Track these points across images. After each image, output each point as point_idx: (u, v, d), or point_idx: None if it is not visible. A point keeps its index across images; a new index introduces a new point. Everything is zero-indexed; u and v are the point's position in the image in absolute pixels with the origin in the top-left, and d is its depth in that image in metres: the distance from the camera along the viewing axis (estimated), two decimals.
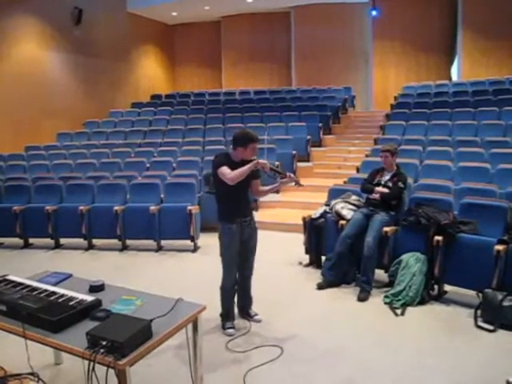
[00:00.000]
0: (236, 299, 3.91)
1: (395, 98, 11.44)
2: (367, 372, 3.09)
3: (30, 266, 5.17)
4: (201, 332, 2.57)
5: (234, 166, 3.46)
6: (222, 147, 8.49)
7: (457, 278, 4.14)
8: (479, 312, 3.77)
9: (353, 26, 14.29)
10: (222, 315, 3.77)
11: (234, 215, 3.60)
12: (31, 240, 6.78)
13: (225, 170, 3.42)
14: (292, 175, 3.66)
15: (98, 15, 12.96)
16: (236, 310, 3.94)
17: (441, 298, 4.26)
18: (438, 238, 4.15)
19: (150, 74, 15.96)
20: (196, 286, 4.46)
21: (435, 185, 5.38)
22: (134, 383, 2.06)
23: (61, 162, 8.82)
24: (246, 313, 3.93)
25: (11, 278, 2.81)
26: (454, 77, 13.55)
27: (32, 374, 2.02)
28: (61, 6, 11.69)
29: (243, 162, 3.49)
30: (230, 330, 3.69)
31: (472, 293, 4.03)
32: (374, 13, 13.79)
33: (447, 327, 3.72)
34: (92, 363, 1.98)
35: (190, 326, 2.50)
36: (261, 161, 3.46)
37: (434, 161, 6.60)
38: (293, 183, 3.70)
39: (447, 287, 4.34)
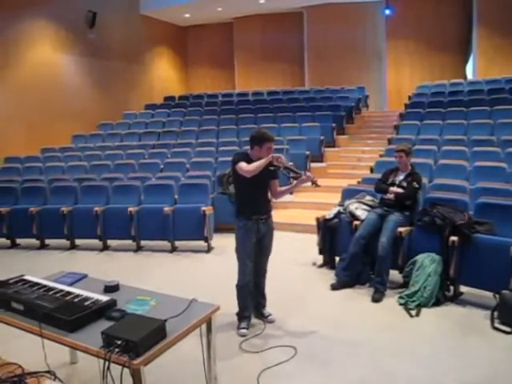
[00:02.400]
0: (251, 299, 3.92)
1: (409, 97, 11.33)
2: (381, 373, 3.07)
3: (46, 267, 5.25)
4: (215, 332, 2.57)
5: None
6: (236, 148, 8.50)
7: (473, 278, 4.08)
8: (496, 313, 3.71)
9: (366, 26, 14.19)
10: (237, 314, 3.79)
11: (250, 212, 3.64)
12: (47, 241, 6.87)
13: (242, 164, 3.50)
14: (309, 174, 3.66)
15: (112, 18, 13.10)
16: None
17: (456, 299, 4.21)
18: (454, 238, 4.10)
19: (164, 75, 16.06)
20: (210, 286, 4.47)
21: (450, 185, 5.31)
22: (148, 383, 2.07)
23: (76, 163, 8.93)
24: (259, 313, 3.93)
25: (28, 278, 2.84)
26: (469, 75, 13.38)
27: (49, 372, 2.04)
28: (75, 9, 11.84)
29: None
30: (243, 331, 3.70)
31: (488, 294, 3.98)
32: (387, 12, 13.72)
33: (463, 329, 3.67)
34: (107, 362, 1.99)
35: (203, 326, 2.51)
36: (275, 154, 3.50)
37: (449, 160, 6.52)
38: (309, 183, 3.67)
39: (463, 288, 4.28)
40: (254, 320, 3.88)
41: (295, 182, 3.70)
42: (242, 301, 3.78)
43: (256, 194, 3.67)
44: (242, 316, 3.78)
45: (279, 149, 8.49)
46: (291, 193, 7.95)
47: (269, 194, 3.84)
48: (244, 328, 3.72)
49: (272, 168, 3.56)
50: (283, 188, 3.90)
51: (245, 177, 3.49)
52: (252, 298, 3.90)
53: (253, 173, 3.44)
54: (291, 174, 3.69)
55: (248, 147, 3.74)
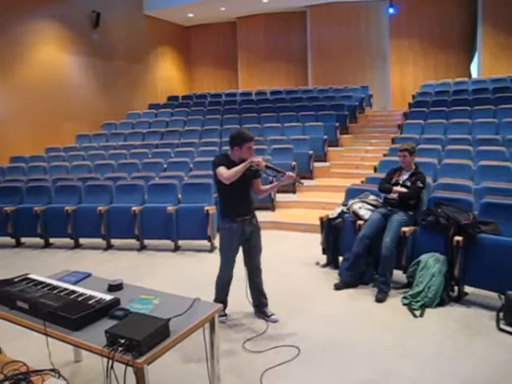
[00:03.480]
0: (251, 299, 3.94)
1: (413, 96, 11.31)
2: (385, 374, 3.06)
3: (50, 266, 5.28)
4: (218, 332, 2.57)
5: (232, 166, 3.53)
6: None
7: (478, 279, 4.06)
8: (501, 314, 3.69)
9: (369, 25, 14.16)
10: (215, 302, 3.77)
11: (235, 214, 3.68)
12: (51, 240, 6.90)
13: (221, 170, 3.50)
14: (291, 173, 3.66)
15: (116, 18, 13.13)
16: (252, 309, 3.98)
17: (461, 299, 4.19)
18: (458, 238, 4.08)
19: (167, 75, 16.08)
20: (213, 285, 4.44)
21: (455, 184, 5.29)
22: (151, 382, 2.08)
23: (80, 163, 8.96)
24: (262, 312, 3.94)
25: (32, 276, 2.85)
26: (474, 74, 13.33)
27: (53, 370, 2.05)
28: (79, 9, 11.89)
29: (242, 162, 3.53)
30: (222, 318, 3.80)
31: (494, 295, 3.96)
32: (391, 10, 13.67)
33: (467, 329, 3.66)
34: (111, 361, 2.00)
35: (207, 326, 2.51)
36: (254, 159, 3.51)
37: (454, 160, 6.50)
38: (292, 181, 3.71)
39: (468, 289, 4.26)
40: (256, 320, 3.89)
41: (277, 181, 3.73)
42: (220, 294, 3.84)
43: (239, 196, 3.68)
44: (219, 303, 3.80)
45: (285, 148, 8.55)
46: (294, 192, 8.00)
47: (252, 193, 3.84)
48: (223, 315, 3.83)
49: (253, 169, 3.57)
50: (267, 186, 3.92)
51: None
52: (253, 298, 3.93)
53: (231, 179, 3.46)
54: (273, 174, 3.72)
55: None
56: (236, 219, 3.67)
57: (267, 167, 3.59)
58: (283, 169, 3.70)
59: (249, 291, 3.90)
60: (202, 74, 17.34)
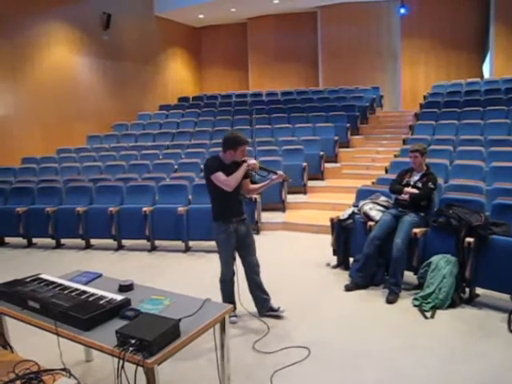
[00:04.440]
0: (253, 300, 3.96)
1: (424, 97, 11.23)
2: (395, 376, 3.04)
3: (61, 266, 5.33)
4: (228, 332, 2.57)
5: (225, 168, 3.61)
6: (249, 148, 8.50)
7: (489, 280, 4.02)
8: None
9: (380, 25, 14.10)
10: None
11: (229, 215, 3.73)
12: (63, 240, 6.96)
13: (220, 177, 3.57)
14: (281, 173, 3.81)
15: (126, 19, 13.22)
16: (255, 309, 3.99)
17: (472, 301, 4.15)
18: (470, 239, 4.04)
19: (178, 76, 16.15)
20: None
21: (466, 185, 5.25)
22: (161, 382, 2.08)
23: (91, 164, 9.03)
24: (268, 308, 3.95)
25: (44, 276, 2.88)
26: (486, 74, 13.20)
27: (64, 369, 2.06)
28: (90, 11, 11.98)
29: (234, 164, 3.63)
30: (233, 318, 3.82)
31: (505, 296, 3.92)
32: (402, 10, 13.61)
33: (478, 331, 3.62)
34: (121, 361, 2.01)
35: (217, 326, 2.51)
36: (251, 162, 3.66)
37: (465, 161, 6.44)
38: (282, 180, 3.88)
39: (479, 290, 4.22)
40: (263, 319, 3.88)
41: (269, 178, 3.84)
42: (226, 294, 3.86)
43: (232, 197, 3.72)
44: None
45: (295, 149, 8.53)
46: (304, 192, 7.98)
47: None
48: (233, 316, 3.85)
49: (249, 172, 3.73)
50: (256, 186, 4.01)
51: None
52: (255, 299, 3.95)
53: (233, 187, 3.56)
54: (265, 174, 3.83)
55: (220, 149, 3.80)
56: (232, 220, 3.72)
57: (260, 168, 3.72)
58: (288, 169, 3.77)
59: (241, 296, 3.88)
60: (212, 74, 17.39)
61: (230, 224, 3.71)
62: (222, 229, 3.72)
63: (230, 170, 3.60)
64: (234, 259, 3.82)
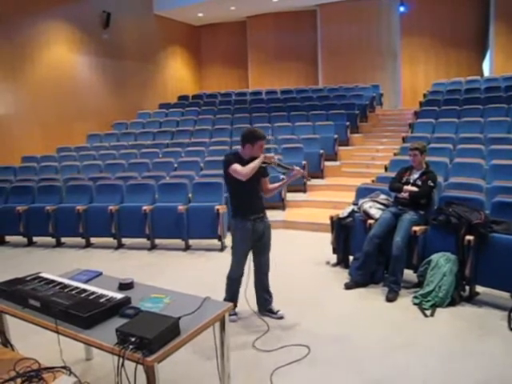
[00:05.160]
0: (256, 297, 3.97)
1: (424, 95, 11.22)
2: (395, 374, 3.04)
3: (61, 264, 5.32)
4: (228, 330, 2.57)
5: (243, 163, 3.57)
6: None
7: (489, 279, 4.02)
8: None
9: (380, 23, 14.08)
10: (225, 300, 3.80)
11: (247, 212, 3.70)
12: (63, 239, 6.97)
13: (237, 167, 3.53)
14: (299, 168, 3.72)
15: (126, 18, 13.22)
16: (256, 308, 3.99)
17: (472, 299, 4.16)
18: (469, 237, 4.05)
19: (177, 75, 16.14)
20: (223, 284, 4.45)
21: (466, 183, 5.25)
22: (161, 380, 2.09)
23: (91, 162, 9.03)
24: (267, 310, 3.96)
25: (44, 275, 2.89)
26: (486, 72, 13.19)
27: (64, 367, 2.07)
28: (89, 10, 11.98)
29: (252, 160, 3.58)
30: (233, 317, 3.81)
31: (506, 294, 3.93)
32: (401, 9, 13.56)
33: (478, 329, 3.62)
34: (121, 359, 2.01)
35: (217, 325, 2.52)
36: (268, 154, 3.61)
37: (465, 159, 6.44)
38: (299, 177, 3.77)
39: (479, 288, 4.22)
40: (263, 318, 3.89)
41: (286, 177, 3.76)
42: (230, 291, 3.87)
43: (251, 193, 3.71)
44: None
45: (295, 147, 8.55)
46: (305, 191, 7.98)
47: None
48: (233, 314, 3.85)
49: (264, 165, 3.64)
50: (275, 184, 3.94)
51: (237, 178, 3.53)
52: (258, 297, 3.96)
53: (249, 175, 3.50)
54: (283, 171, 3.77)
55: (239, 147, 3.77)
56: (250, 217, 3.69)
57: (278, 165, 3.67)
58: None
59: (247, 291, 3.89)
60: (212, 73, 17.37)
61: (247, 221, 3.68)
62: (239, 225, 3.70)
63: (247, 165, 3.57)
64: (246, 258, 3.79)
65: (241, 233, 3.70)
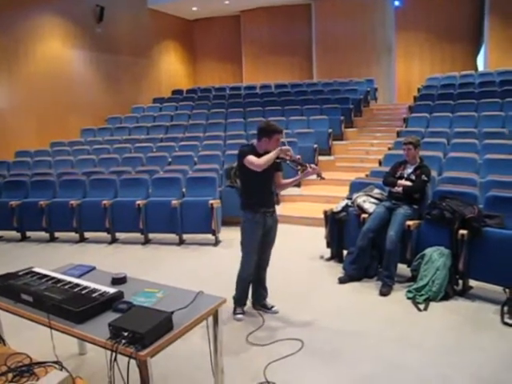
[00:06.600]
0: (251, 291, 3.97)
1: (418, 89, 11.23)
2: (389, 367, 3.06)
3: (55, 259, 5.30)
4: (221, 325, 2.57)
5: (258, 157, 3.53)
6: (244, 141, 8.49)
7: (482, 272, 4.05)
8: (506, 308, 3.68)
9: (375, 17, 14.02)
10: (234, 298, 3.86)
11: (258, 205, 3.66)
12: (57, 234, 6.94)
13: (252, 158, 3.49)
14: (314, 166, 3.67)
15: (120, 12, 13.12)
16: (250, 302, 4.00)
17: (465, 293, 4.18)
18: (463, 231, 4.06)
19: (171, 69, 16.06)
20: (217, 279, 4.48)
21: (460, 178, 5.26)
22: (154, 374, 2.08)
23: (84, 157, 8.99)
24: (261, 305, 3.96)
25: (37, 270, 2.87)
26: (481, 67, 13.22)
27: (56, 362, 2.06)
28: (83, 4, 11.88)
29: (266, 154, 3.53)
30: (240, 316, 3.81)
31: (498, 288, 3.94)
32: (396, 3, 13.58)
33: (472, 323, 3.65)
34: (114, 354, 2.00)
35: (210, 319, 2.51)
36: (284, 147, 3.52)
37: (459, 153, 6.46)
38: (314, 175, 3.68)
39: (472, 282, 4.24)
40: (254, 312, 3.90)
41: (300, 174, 3.69)
42: (241, 290, 3.86)
43: (263, 186, 3.69)
44: (238, 301, 3.86)
45: (289, 142, 8.52)
46: (299, 185, 7.98)
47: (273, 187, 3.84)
48: (240, 313, 3.83)
49: (278, 160, 3.58)
50: (288, 180, 3.90)
51: (252, 170, 3.48)
52: (253, 291, 3.95)
53: (264, 166, 3.45)
54: (298, 167, 3.69)
55: (254, 140, 3.73)
56: (259, 210, 3.65)
57: (293, 161, 3.61)
58: (282, 162, 3.69)
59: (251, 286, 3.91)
60: (206, 67, 17.30)
61: (257, 214, 3.64)
62: (248, 217, 3.66)
63: None
64: (256, 255, 3.74)
65: (251, 225, 3.65)
